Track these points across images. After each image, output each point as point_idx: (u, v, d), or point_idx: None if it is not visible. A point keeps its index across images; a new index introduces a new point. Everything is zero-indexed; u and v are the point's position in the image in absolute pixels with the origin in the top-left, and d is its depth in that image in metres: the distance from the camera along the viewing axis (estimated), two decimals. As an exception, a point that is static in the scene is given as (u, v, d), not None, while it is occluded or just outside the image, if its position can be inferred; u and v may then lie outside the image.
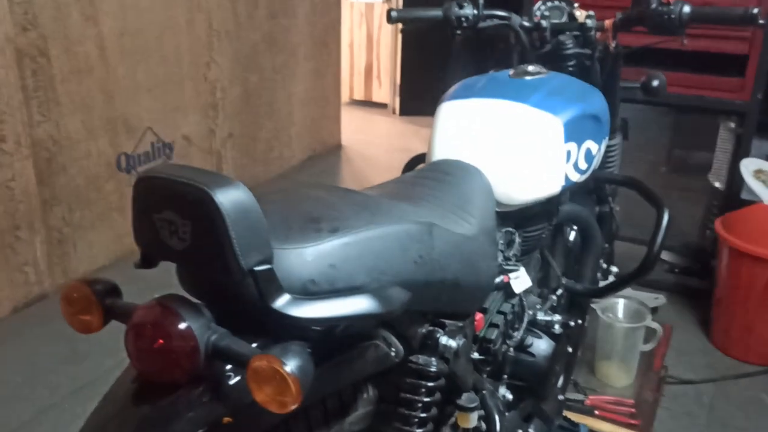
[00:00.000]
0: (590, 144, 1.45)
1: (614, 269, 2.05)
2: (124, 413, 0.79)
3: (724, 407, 2.27)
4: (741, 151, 2.63)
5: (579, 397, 2.20)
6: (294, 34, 4.37)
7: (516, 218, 1.39)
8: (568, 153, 1.39)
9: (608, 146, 1.79)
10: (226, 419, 0.80)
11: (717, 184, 2.83)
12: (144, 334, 0.77)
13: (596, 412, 2.15)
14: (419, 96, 5.57)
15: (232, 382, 0.79)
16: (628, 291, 2.46)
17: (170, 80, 3.38)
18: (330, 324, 0.84)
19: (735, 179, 2.66)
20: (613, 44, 1.71)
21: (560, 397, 1.64)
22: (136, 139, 3.22)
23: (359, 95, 6.21)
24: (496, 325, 1.29)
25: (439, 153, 1.39)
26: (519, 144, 1.35)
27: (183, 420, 0.77)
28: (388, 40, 5.86)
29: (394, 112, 6.00)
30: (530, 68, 1.49)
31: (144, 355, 0.78)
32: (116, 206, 3.14)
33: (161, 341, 0.76)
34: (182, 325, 0.76)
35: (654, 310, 2.67)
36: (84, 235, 3.01)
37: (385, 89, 6.07)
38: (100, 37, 2.92)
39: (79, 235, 2.98)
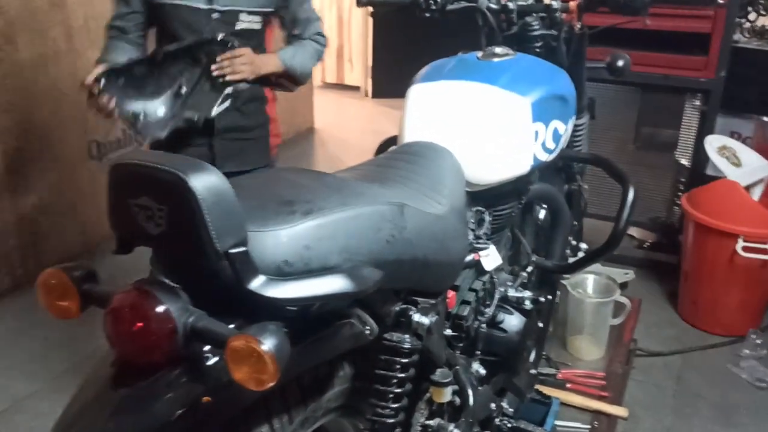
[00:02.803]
0: (557, 124, 1.48)
1: (583, 246, 2.09)
2: (104, 396, 0.80)
3: (692, 378, 2.34)
4: (705, 128, 2.69)
5: (551, 371, 2.26)
6: (264, 17, 4.33)
7: (486, 198, 1.42)
8: (536, 133, 1.42)
9: (575, 125, 1.82)
10: (206, 399, 0.82)
11: (683, 161, 2.89)
12: (123, 317, 0.79)
13: (568, 385, 2.21)
14: (391, 78, 5.52)
15: (210, 362, 0.81)
16: (597, 267, 2.52)
17: (140, 65, 3.34)
18: (305, 303, 0.86)
19: (700, 156, 2.72)
20: (578, 25, 1.74)
21: (532, 371, 1.69)
22: (107, 126, 3.19)
23: (331, 78, 6.19)
24: (468, 302, 1.32)
25: (410, 135, 1.41)
26: (488, 125, 1.38)
27: (162, 401, 0.79)
28: (359, 23, 5.84)
29: (366, 95, 6.00)
30: (498, 50, 1.52)
31: (123, 339, 0.79)
32: (89, 194, 3.11)
33: (140, 324, 0.78)
34: (160, 308, 0.78)
35: (624, 285, 2.73)
36: (57, 223, 2.98)
37: (357, 72, 6.05)
38: (66, 22, 2.88)
39: (51, 223, 2.96)
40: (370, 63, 5.89)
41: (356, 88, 6.08)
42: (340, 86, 6.15)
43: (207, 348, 0.81)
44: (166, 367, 0.80)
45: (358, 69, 6.04)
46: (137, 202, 0.78)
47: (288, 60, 1.94)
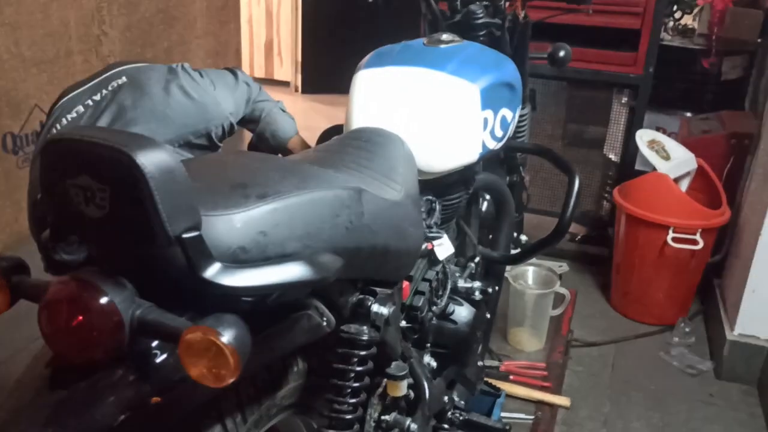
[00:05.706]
0: (506, 112, 1.47)
1: (524, 238, 2.10)
2: (39, 399, 0.73)
3: (626, 366, 2.39)
4: (635, 123, 2.75)
5: (494, 363, 2.26)
6: (191, 8, 4.18)
7: (435, 186, 1.39)
8: (485, 120, 1.40)
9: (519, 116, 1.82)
10: (154, 399, 0.75)
11: (612, 156, 2.95)
12: (60, 311, 0.71)
13: (511, 377, 2.21)
14: (321, 73, 5.49)
15: (159, 359, 0.74)
16: (535, 259, 2.53)
17: (59, 55, 3.15)
18: (263, 293, 0.80)
19: (629, 151, 2.79)
20: (522, 14, 1.74)
21: (480, 363, 1.67)
22: (22, 118, 2.98)
23: (260, 73, 6.05)
24: (422, 293, 1.28)
25: (358, 122, 1.36)
26: (437, 111, 1.35)
27: (105, 404, 0.72)
28: (288, 16, 5.73)
29: (296, 90, 5.89)
30: (444, 36, 1.49)
31: (61, 335, 0.72)
32: (2, 191, 2.91)
33: (80, 318, 0.70)
34: (103, 300, 0.70)
35: (558, 278, 2.77)
36: (-34, 222, 2.77)
37: (287, 67, 5.94)
38: None
39: (-40, 222, 2.75)
40: (299, 58, 5.80)
41: (286, 83, 5.97)
42: (269, 81, 6.02)
43: (155, 344, 0.74)
44: (110, 365, 0.73)
45: (288, 64, 5.93)
46: (75, 182, 0.70)
47: None
